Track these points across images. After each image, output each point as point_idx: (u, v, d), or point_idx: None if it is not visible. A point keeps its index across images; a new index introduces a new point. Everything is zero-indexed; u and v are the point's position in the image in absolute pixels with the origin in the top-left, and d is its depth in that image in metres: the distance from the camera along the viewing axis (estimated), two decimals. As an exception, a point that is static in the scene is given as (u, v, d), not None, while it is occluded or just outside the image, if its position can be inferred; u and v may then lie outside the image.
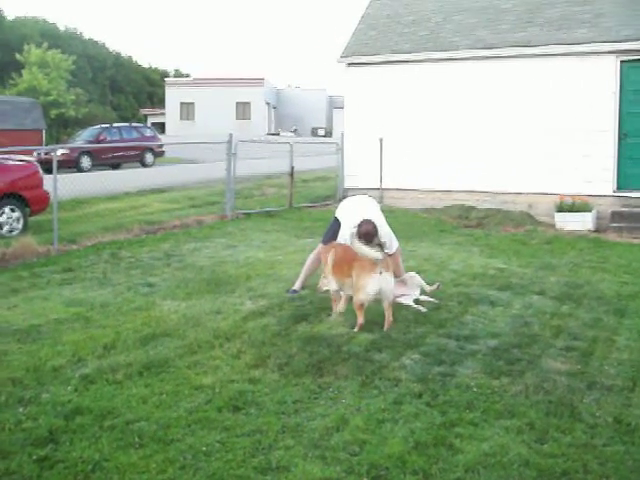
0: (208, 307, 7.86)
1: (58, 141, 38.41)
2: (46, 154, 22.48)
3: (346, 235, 7.70)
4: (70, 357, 6.27)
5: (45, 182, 12.97)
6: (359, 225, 7.50)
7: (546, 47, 15.75)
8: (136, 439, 4.70)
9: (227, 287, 8.79)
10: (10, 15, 79.77)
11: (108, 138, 30.73)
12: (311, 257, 8.81)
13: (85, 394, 5.47)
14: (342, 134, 18.41)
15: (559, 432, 4.81)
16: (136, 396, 5.41)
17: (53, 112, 44.02)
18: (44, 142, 32.53)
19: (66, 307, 7.94)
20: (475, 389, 5.54)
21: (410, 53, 17.17)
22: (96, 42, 77.10)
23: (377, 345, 6.58)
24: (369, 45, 17.96)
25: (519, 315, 7.76)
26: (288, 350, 6.41)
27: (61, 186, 12.13)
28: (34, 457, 4.47)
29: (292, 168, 16.69)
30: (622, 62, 15.19)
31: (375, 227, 7.57)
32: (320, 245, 8.53)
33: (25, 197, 12.79)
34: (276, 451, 4.54)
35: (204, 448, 4.57)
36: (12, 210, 12.61)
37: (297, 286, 8.66)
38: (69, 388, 5.59)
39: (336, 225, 8.18)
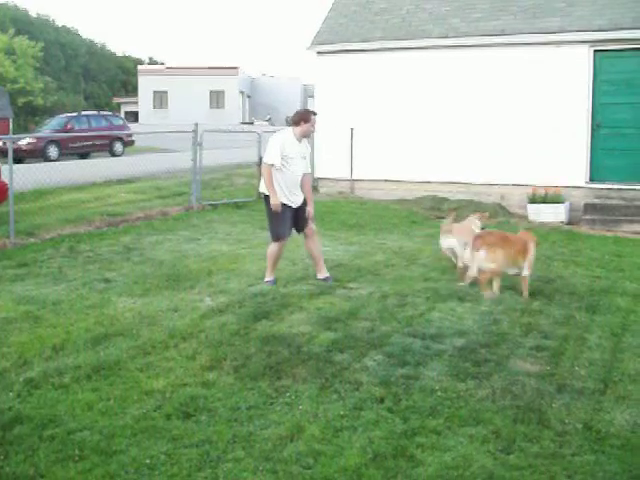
0: (165, 304, 7.53)
1: (26, 130, 37.72)
2: (13, 143, 21.92)
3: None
4: (15, 360, 5.93)
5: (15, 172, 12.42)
6: None
7: (519, 36, 15.52)
8: (76, 451, 4.41)
9: (187, 283, 8.47)
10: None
11: (76, 127, 30.10)
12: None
13: (28, 400, 5.16)
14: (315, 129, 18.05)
15: (526, 441, 4.56)
16: (81, 402, 5.11)
17: (21, 100, 43.26)
18: (11, 131, 31.90)
19: (16, 305, 7.56)
20: (440, 393, 5.27)
21: (381, 41, 16.86)
22: (69, 29, 76.05)
23: (339, 345, 6.30)
24: (340, 33, 17.63)
25: (488, 312, 7.51)
26: (246, 350, 6.13)
27: (23, 176, 11.73)
28: (-36, 473, 4.15)
29: (260, 158, 16.32)
30: (596, 52, 15.01)
31: None
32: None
33: (-19, 188, 12.33)
34: (225, 464, 4.25)
35: (148, 461, 4.28)
36: (-33, 202, 12.16)
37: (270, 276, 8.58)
38: (11, 394, 5.27)
39: None
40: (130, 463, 4.25)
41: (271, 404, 5.10)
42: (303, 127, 8.49)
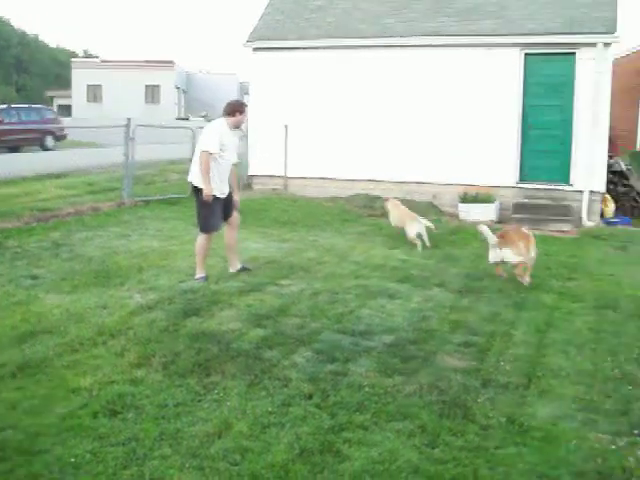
0: (94, 301, 7.42)
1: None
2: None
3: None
4: (-64, 357, 5.77)
5: None
6: None
7: (453, 37, 15.74)
8: (-1, 451, 4.30)
9: (116, 279, 8.36)
10: None
11: (6, 120, 29.38)
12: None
13: (-52, 400, 5.02)
14: (247, 120, 17.99)
15: (451, 435, 4.64)
16: (5, 401, 5.00)
17: (-52, 91, 42.10)
18: None
19: (-62, 301, 7.37)
20: (367, 389, 5.32)
21: (316, 39, 16.89)
22: (0, 19, 74.24)
23: (269, 342, 6.31)
24: (276, 30, 17.61)
25: (418, 309, 7.62)
26: (175, 347, 6.08)
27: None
28: None
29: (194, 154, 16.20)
30: (526, 55, 15.33)
31: None
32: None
33: None
34: (151, 461, 4.22)
35: (73, 460, 4.22)
36: None
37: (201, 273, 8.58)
38: None
39: None
40: (54, 462, 4.19)
41: (199, 401, 5.08)
42: (237, 117, 8.62)
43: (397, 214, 12.08)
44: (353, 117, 16.58)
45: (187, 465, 4.18)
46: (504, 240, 9.11)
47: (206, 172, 8.31)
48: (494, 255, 9.19)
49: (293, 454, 4.32)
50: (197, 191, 8.50)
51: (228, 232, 8.89)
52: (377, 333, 6.70)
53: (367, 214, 14.55)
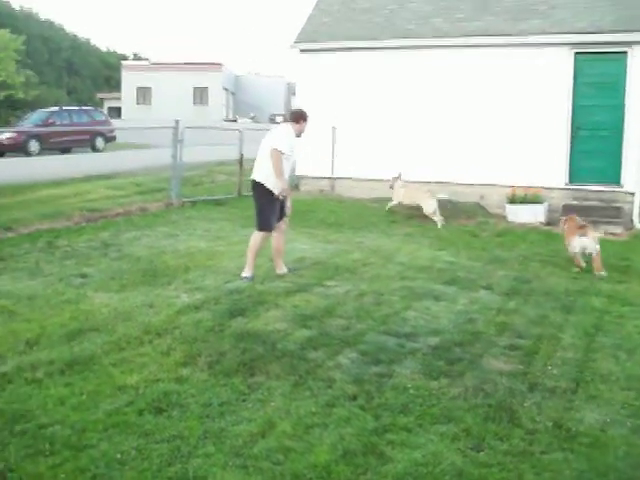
0: (141, 300, 7.51)
1: (6, 124, 37.39)
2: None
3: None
4: (-12, 354, 5.90)
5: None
6: None
7: (501, 37, 15.58)
8: (47, 446, 4.39)
9: (164, 279, 8.44)
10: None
11: (58, 122, 29.90)
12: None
13: (0, 395, 5.11)
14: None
15: (496, 439, 4.58)
16: (54, 397, 5.09)
17: (2, 94, 42.89)
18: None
19: (-9, 299, 7.52)
20: (412, 391, 5.29)
21: (364, 40, 16.87)
22: (52, 23, 75.53)
23: (313, 343, 6.31)
24: (322, 32, 17.62)
25: (464, 311, 7.55)
26: (220, 347, 6.12)
27: (2, 170, 11.65)
28: None
29: (241, 155, 16.32)
30: (577, 54, 15.09)
31: None
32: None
33: (-41, 182, 12.26)
34: (195, 459, 4.25)
35: (119, 455, 4.28)
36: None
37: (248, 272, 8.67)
38: (-17, 390, 5.23)
39: None
40: (101, 458, 4.25)
41: (243, 400, 5.10)
42: (301, 125, 8.87)
43: (408, 192, 13.78)
44: (400, 118, 16.51)
45: (230, 464, 4.20)
46: (584, 229, 9.77)
47: (280, 169, 8.50)
48: (577, 244, 9.84)
49: (336, 455, 4.31)
50: (259, 188, 8.69)
51: (278, 235, 8.93)
52: (422, 335, 6.66)
53: (413, 215, 14.46)
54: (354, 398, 5.16)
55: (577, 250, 9.88)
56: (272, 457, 4.28)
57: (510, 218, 14.50)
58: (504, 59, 15.63)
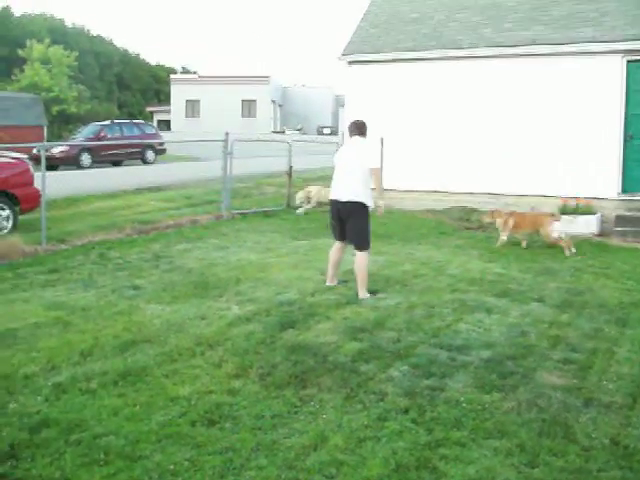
0: (193, 312, 7.58)
1: (60, 138, 38.11)
2: (46, 151, 22.20)
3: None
4: (44, 364, 6.02)
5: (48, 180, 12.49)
6: None
7: (551, 46, 15.41)
8: (102, 455, 4.45)
9: (215, 291, 8.51)
10: (17, 11, 79.62)
11: (109, 135, 30.41)
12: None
13: (55, 404, 5.22)
14: (342, 133, 18.10)
15: (551, 455, 4.51)
16: (108, 407, 5.16)
17: (55, 108, 43.70)
18: (45, 138, 32.26)
19: (46, 310, 7.67)
20: (465, 405, 5.24)
21: (412, 51, 16.84)
22: (103, 39, 76.92)
23: (365, 355, 6.28)
24: (370, 43, 17.65)
25: (516, 324, 7.45)
26: (272, 359, 6.14)
27: (56, 183, 11.89)
28: (-9, 476, 4.21)
29: (290, 167, 16.41)
30: (628, 62, 14.86)
31: None
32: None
33: (15, 195, 12.51)
34: (247, 471, 4.27)
35: (172, 467, 4.31)
36: (1, 208, 12.33)
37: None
38: (39, 398, 5.34)
39: None
40: (154, 469, 4.29)
41: (295, 413, 5.10)
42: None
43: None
44: (448, 129, 16.44)
45: (283, 477, 4.20)
46: (555, 216, 11.86)
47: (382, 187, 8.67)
48: (556, 228, 11.78)
49: (389, 469, 4.29)
50: (358, 207, 8.46)
51: (341, 248, 8.85)
52: (474, 348, 6.58)
53: (463, 227, 14.38)
54: (406, 411, 5.13)
55: (557, 234, 11.75)
56: (324, 470, 4.27)
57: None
58: (554, 68, 15.46)
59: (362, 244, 8.57)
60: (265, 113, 65.34)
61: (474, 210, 15.52)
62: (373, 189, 8.51)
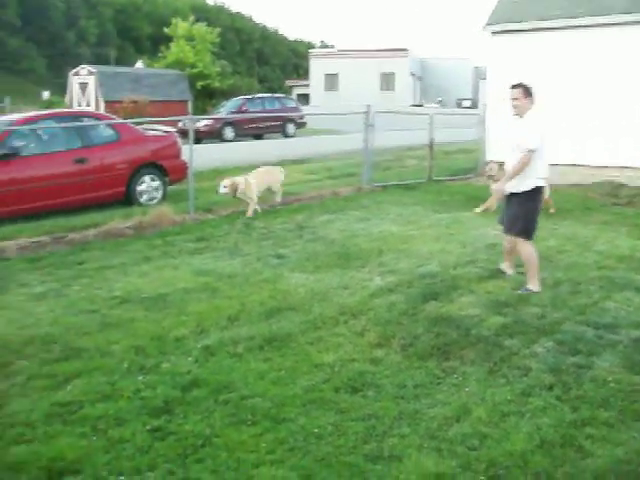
0: (336, 282, 7.69)
1: (204, 112, 39.28)
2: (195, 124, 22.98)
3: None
4: (193, 327, 6.29)
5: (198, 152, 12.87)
6: None
7: None
8: (249, 416, 4.64)
9: (357, 262, 8.58)
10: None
11: (250, 109, 31.09)
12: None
13: (204, 366, 5.47)
14: (484, 105, 17.75)
15: None
16: (254, 371, 5.35)
17: (199, 84, 44.93)
18: (190, 113, 33.36)
19: (195, 276, 7.99)
20: (612, 384, 5.09)
21: (561, 19, 16.22)
22: (243, 15, 78.56)
23: (508, 330, 6.20)
24: (515, 12, 17.12)
25: (669, 304, 7.12)
26: (414, 330, 6.16)
27: (201, 156, 12.30)
28: (148, 427, 4.51)
29: (432, 140, 16.25)
30: None
31: None
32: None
33: (164, 166, 13.05)
34: (390, 439, 4.34)
35: (316, 430, 4.44)
36: (152, 179, 12.92)
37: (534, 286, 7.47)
38: (189, 359, 5.60)
39: None
40: (299, 431, 4.43)
41: (438, 384, 5.12)
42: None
43: None
44: (597, 101, 15.77)
45: (425, 445, 4.25)
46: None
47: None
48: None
49: (532, 444, 4.25)
50: (531, 195, 7.59)
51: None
52: (623, 327, 6.35)
53: (611, 203, 13.80)
54: (550, 388, 5.04)
55: None
56: (467, 442, 4.28)
57: None
58: None
59: (528, 231, 7.58)
60: (404, 86, 64.77)
61: (623, 185, 14.87)
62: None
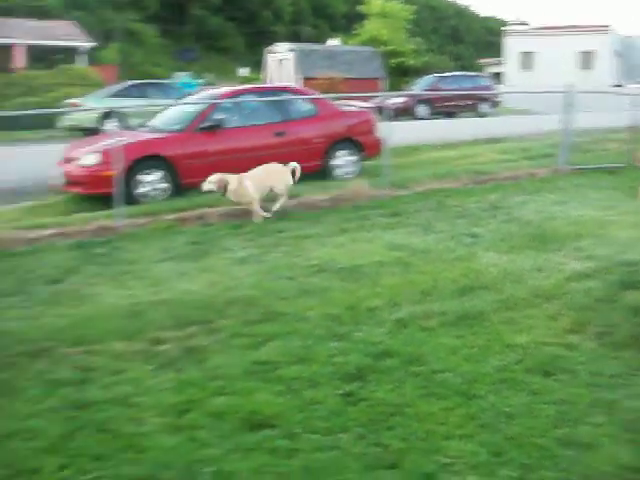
0: (530, 263, 7.54)
1: (397, 89, 39.44)
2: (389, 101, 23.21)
3: None
4: (386, 300, 6.44)
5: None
6: None
7: None
8: (439, 390, 4.72)
9: (552, 244, 8.34)
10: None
11: (443, 87, 30.86)
12: None
13: (396, 337, 5.60)
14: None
15: None
16: (445, 346, 5.42)
17: (393, 61, 45.11)
18: (385, 90, 33.61)
19: (388, 250, 8.14)
20: None
21: None
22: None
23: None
24: None
25: None
26: (611, 318, 5.95)
27: (396, 133, 12.42)
28: (340, 391, 4.71)
29: (634, 122, 15.41)
30: None
31: None
32: None
33: (360, 142, 13.27)
34: (583, 426, 4.27)
35: (507, 409, 4.45)
36: (348, 154, 13.17)
37: None
38: (382, 330, 5.76)
39: None
40: (489, 408, 4.46)
41: (635, 376, 4.94)
42: None
43: None
44: None
45: (620, 437, 4.14)
46: None
47: None
48: None
49: None
50: None
51: None
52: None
53: None
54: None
55: None
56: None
57: None
58: None
59: None
60: (603, 65, 61.57)
61: None
62: None
